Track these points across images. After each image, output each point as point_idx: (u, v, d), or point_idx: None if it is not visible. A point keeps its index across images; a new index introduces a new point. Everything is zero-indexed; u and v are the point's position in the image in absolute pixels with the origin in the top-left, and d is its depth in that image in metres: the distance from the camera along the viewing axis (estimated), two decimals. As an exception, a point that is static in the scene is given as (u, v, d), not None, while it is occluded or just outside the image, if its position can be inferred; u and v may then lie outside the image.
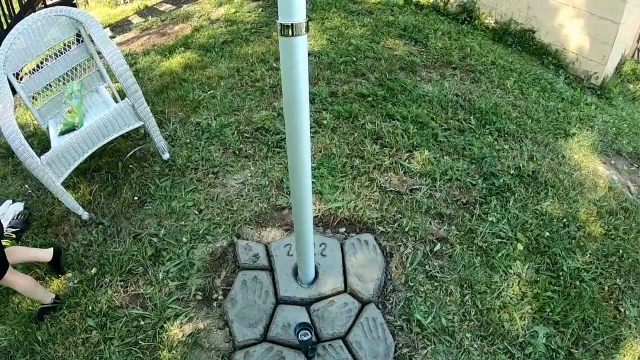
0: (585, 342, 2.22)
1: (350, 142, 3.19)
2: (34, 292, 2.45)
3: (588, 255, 2.56)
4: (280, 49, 1.38)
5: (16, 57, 3.02)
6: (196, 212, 2.86)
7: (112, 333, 2.36)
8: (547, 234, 2.61)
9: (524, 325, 2.24)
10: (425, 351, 2.15)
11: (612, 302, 2.39)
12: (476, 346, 2.16)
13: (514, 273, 2.43)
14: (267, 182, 2.97)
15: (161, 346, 2.29)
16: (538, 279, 2.41)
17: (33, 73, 3.24)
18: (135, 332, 2.36)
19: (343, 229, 2.69)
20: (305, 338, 2.04)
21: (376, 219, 2.69)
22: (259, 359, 2.16)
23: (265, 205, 2.84)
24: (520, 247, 2.53)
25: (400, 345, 2.20)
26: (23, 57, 3.06)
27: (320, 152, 3.12)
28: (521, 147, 3.18)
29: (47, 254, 2.61)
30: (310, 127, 3.28)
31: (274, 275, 2.45)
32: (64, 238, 2.90)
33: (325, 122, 3.34)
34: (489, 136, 3.25)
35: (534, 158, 3.09)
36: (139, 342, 2.31)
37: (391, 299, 2.37)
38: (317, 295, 2.34)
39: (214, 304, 2.44)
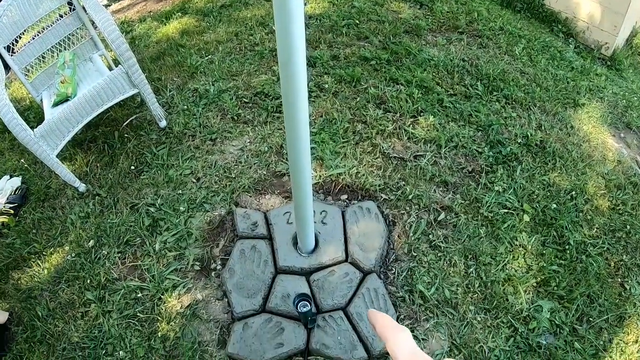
0: (590, 318, 2.01)
1: (353, 107, 2.89)
2: None
3: (595, 229, 2.32)
4: (273, 3, 1.06)
5: (7, 30, 2.73)
6: (194, 180, 2.59)
7: (110, 306, 2.18)
8: (554, 205, 2.36)
9: (529, 299, 2.03)
10: (428, 324, 1.95)
11: (618, 278, 2.17)
12: (479, 319, 1.96)
13: (520, 245, 2.20)
14: (266, 148, 2.68)
15: (159, 318, 2.11)
16: (544, 252, 2.18)
17: (25, 45, 2.92)
18: (134, 304, 2.17)
19: (345, 196, 2.44)
20: (305, 309, 1.83)
21: (379, 186, 2.43)
22: (258, 330, 1.97)
23: (265, 172, 2.56)
24: (526, 218, 2.29)
25: (403, 316, 1.99)
26: (14, 30, 2.76)
27: (322, 116, 2.82)
28: (529, 115, 2.89)
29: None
30: (311, 92, 2.99)
31: (273, 244, 2.21)
32: (62, 211, 2.66)
33: (326, 86, 3.01)
34: (496, 103, 2.94)
35: (542, 127, 2.81)
36: (137, 314, 2.13)
37: (393, 269, 2.15)
38: (317, 264, 2.11)
39: (213, 274, 2.22)
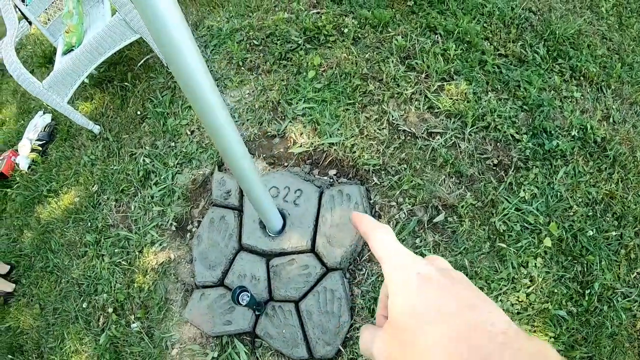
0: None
1: (371, 59, 2.04)
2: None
3: (635, 274, 1.47)
4: None
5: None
6: (188, 132, 2.06)
7: (103, 250, 1.95)
8: (591, 232, 1.51)
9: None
10: (384, 344, 1.43)
11: (638, 345, 1.40)
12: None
13: (528, 274, 1.47)
14: (263, 102, 2.00)
15: (137, 270, 1.83)
16: (555, 290, 1.43)
17: None
18: (120, 252, 1.91)
19: (333, 172, 1.79)
20: (245, 301, 1.38)
21: (374, 165, 1.74)
22: (212, 303, 1.60)
23: (256, 131, 1.95)
24: (548, 242, 1.50)
25: (357, 325, 1.48)
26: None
27: (332, 68, 2.03)
28: (597, 99, 1.85)
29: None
30: (329, 36, 2.12)
31: (242, 217, 1.71)
32: (78, 152, 2.35)
33: (346, 30, 2.14)
34: (558, 75, 1.92)
35: (611, 119, 1.79)
36: (122, 262, 1.89)
37: (364, 269, 1.58)
38: (279, 249, 1.58)
39: (188, 235, 1.82)
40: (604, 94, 1.85)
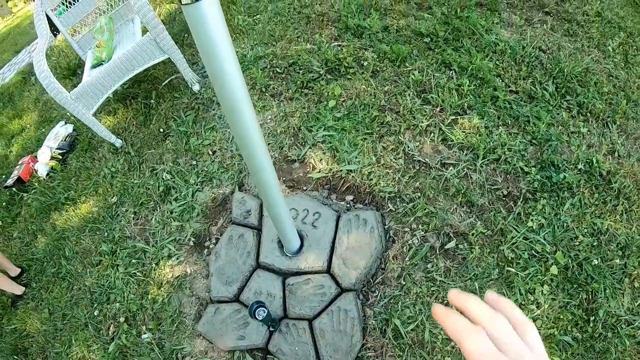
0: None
1: (389, 92, 2.28)
2: (12, 287, 2.31)
3: (638, 302, 1.61)
4: None
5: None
6: (210, 152, 2.29)
7: (119, 260, 2.12)
8: (596, 261, 1.66)
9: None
10: (393, 363, 1.56)
11: None
12: (455, 377, 1.52)
13: (535, 301, 1.61)
14: (285, 127, 2.24)
15: (152, 282, 2.00)
16: (561, 316, 1.57)
17: (68, 8, 2.75)
18: (136, 264, 2.08)
19: (350, 197, 1.98)
20: (262, 316, 1.53)
21: (390, 193, 1.92)
22: (227, 318, 1.75)
23: (277, 155, 2.17)
24: (554, 270, 1.65)
25: (369, 346, 1.61)
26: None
27: (351, 99, 2.27)
28: (603, 134, 2.04)
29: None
30: (349, 68, 2.40)
31: (261, 236, 1.90)
32: (98, 163, 2.59)
33: (366, 63, 2.39)
34: (565, 112, 2.12)
35: (616, 153, 1.97)
36: (137, 273, 2.05)
37: (377, 291, 1.73)
38: (295, 269, 1.76)
39: (205, 251, 2.00)
40: (610, 129, 2.04)
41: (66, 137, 2.86)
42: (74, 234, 2.35)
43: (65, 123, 3.02)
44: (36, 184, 2.76)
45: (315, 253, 1.75)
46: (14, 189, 2.86)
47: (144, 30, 2.43)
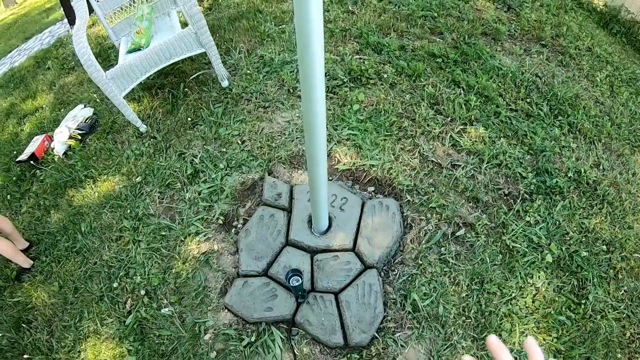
0: (583, 384, 1.70)
1: (405, 102, 2.59)
2: (14, 256, 2.33)
3: (622, 292, 1.90)
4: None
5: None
6: (239, 142, 2.50)
7: (141, 237, 2.24)
8: (585, 253, 1.96)
9: (523, 342, 1.74)
10: (412, 332, 1.76)
11: (629, 352, 1.77)
12: (465, 345, 1.73)
13: (533, 284, 1.88)
14: (312, 123, 2.50)
15: (177, 257, 2.12)
16: (556, 298, 1.84)
17: None
18: (160, 239, 2.21)
19: (372, 188, 2.23)
20: (296, 284, 1.72)
21: (407, 186, 2.19)
22: (255, 290, 1.91)
23: (303, 148, 2.41)
24: (549, 258, 1.94)
25: (389, 318, 1.82)
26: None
27: (372, 105, 2.56)
28: (589, 150, 2.40)
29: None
30: (370, 79, 2.71)
31: (291, 217, 2.10)
32: (121, 146, 2.72)
33: (385, 75, 2.71)
34: (558, 129, 2.48)
35: (600, 166, 2.33)
36: (161, 249, 2.17)
37: (396, 270, 1.95)
38: (324, 246, 1.97)
39: (232, 230, 2.17)
40: (596, 146, 2.40)
41: (87, 119, 2.98)
42: (92, 210, 2.44)
43: (85, 106, 3.14)
44: (51, 162, 2.84)
45: (343, 232, 1.96)
46: (26, 165, 2.92)
47: (182, 25, 2.64)
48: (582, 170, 2.25)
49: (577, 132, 2.47)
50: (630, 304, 1.87)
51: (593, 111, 2.58)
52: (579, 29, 3.22)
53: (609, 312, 1.84)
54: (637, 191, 2.26)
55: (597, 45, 3.10)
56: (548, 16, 3.28)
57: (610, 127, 2.51)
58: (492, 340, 0.48)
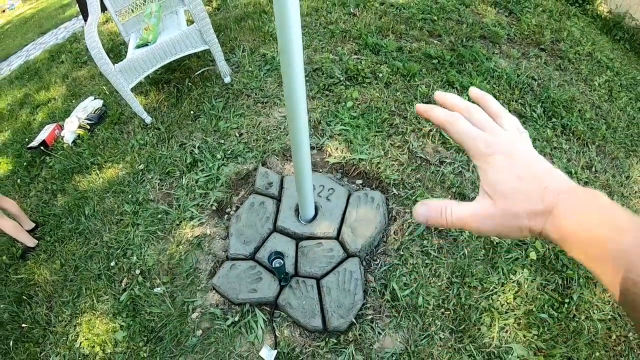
0: (562, 382, 1.67)
1: (399, 100, 2.62)
2: (17, 235, 2.43)
3: (609, 294, 1.86)
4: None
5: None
6: (236, 135, 2.59)
7: (140, 220, 2.33)
8: None
9: (502, 337, 1.72)
10: (390, 320, 1.77)
11: (613, 354, 1.73)
12: (442, 337, 1.73)
13: (515, 281, 1.87)
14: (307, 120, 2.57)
15: (172, 240, 2.21)
16: (539, 296, 1.82)
17: None
18: (158, 223, 2.30)
19: (360, 181, 2.26)
20: (278, 265, 1.77)
21: (394, 180, 2.21)
22: (241, 273, 1.96)
23: (296, 140, 2.47)
24: (533, 256, 1.92)
25: (368, 305, 1.84)
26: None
27: (366, 103, 2.60)
28: (582, 151, 2.37)
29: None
30: (365, 78, 2.77)
31: (280, 205, 2.15)
32: (127, 136, 2.84)
33: (381, 75, 2.75)
34: (550, 130, 2.46)
35: (593, 168, 2.30)
36: (157, 232, 2.26)
37: (378, 260, 1.97)
38: (309, 233, 2.01)
39: (225, 217, 2.24)
40: (589, 148, 2.38)
41: (96, 110, 3.13)
42: (96, 195, 2.56)
43: (95, 98, 3.29)
44: (60, 150, 2.98)
45: (327, 221, 2.00)
46: (36, 151, 3.07)
47: (189, 23, 2.76)
48: (573, 171, 2.23)
49: (571, 134, 2.45)
50: (617, 307, 1.82)
51: (588, 114, 2.56)
52: (581, 35, 3.21)
53: (594, 312, 1.80)
54: (629, 194, 2.22)
55: (598, 50, 3.07)
56: (549, 21, 3.27)
57: (606, 130, 2.48)
58: (437, 93, 0.44)
